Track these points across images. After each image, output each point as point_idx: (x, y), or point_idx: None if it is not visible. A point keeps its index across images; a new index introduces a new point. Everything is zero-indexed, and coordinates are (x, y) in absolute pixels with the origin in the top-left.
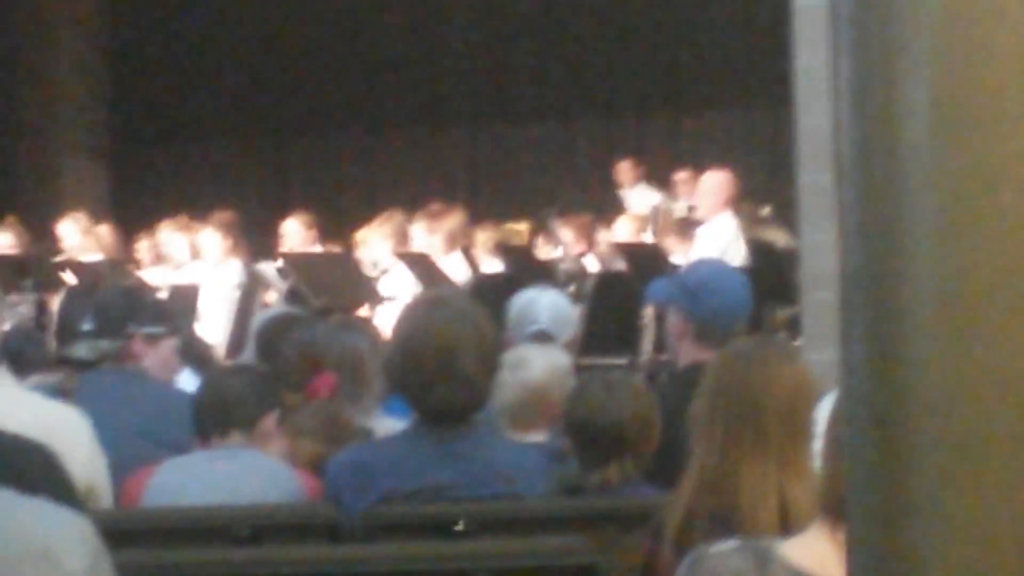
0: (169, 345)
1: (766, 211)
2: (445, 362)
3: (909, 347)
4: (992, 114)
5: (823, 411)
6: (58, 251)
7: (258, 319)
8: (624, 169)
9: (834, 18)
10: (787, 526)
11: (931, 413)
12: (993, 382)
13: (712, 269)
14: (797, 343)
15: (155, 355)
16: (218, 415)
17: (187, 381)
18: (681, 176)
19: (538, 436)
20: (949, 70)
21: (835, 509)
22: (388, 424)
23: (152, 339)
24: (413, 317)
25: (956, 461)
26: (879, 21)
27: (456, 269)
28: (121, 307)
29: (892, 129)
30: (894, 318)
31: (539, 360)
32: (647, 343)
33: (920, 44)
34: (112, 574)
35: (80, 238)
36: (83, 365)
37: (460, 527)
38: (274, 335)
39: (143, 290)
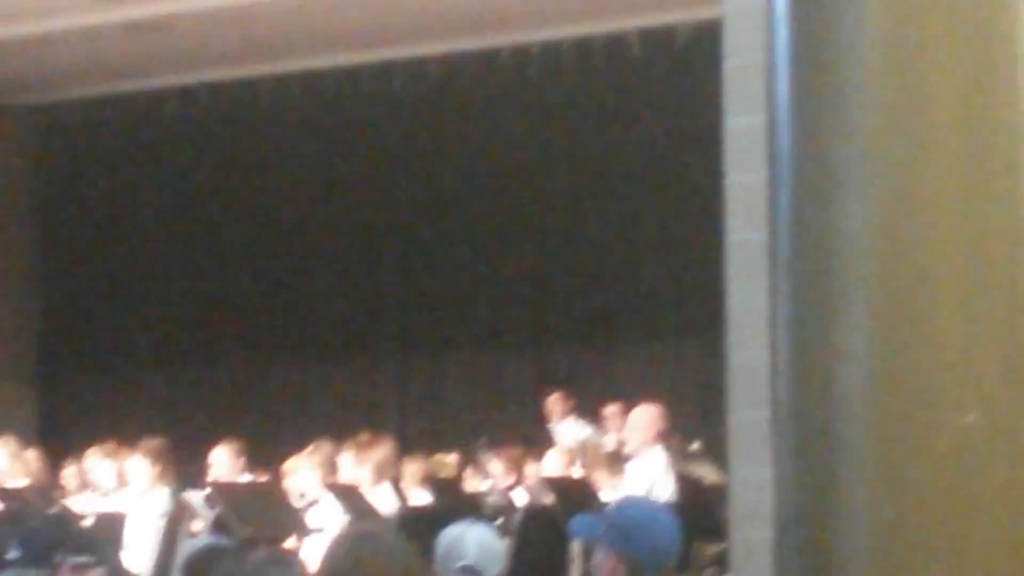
0: (95, 575)
1: (695, 446)
2: None
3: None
4: (927, 368)
5: None
6: None
7: (184, 549)
8: (554, 402)
9: (772, 260)
10: None
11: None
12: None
13: (643, 508)
14: None
15: None
16: None
17: None
18: (610, 410)
19: None
20: (886, 317)
21: None
22: None
23: (79, 570)
24: (340, 550)
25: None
26: (818, 266)
27: (384, 500)
28: (47, 536)
29: (829, 376)
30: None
31: None
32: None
33: (857, 294)
34: None
35: (7, 462)
36: None
37: None
38: (200, 567)
39: (70, 519)
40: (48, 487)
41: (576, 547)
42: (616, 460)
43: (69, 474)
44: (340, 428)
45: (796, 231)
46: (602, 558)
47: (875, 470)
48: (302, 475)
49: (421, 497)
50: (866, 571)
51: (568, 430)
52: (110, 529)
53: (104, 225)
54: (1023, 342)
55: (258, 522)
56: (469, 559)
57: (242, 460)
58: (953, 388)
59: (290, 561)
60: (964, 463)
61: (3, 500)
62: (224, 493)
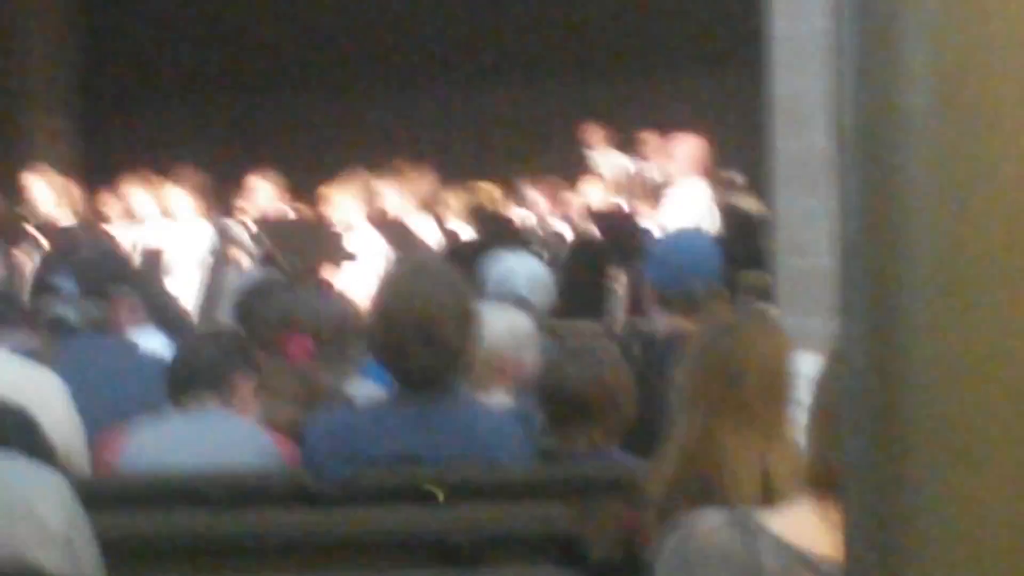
0: (143, 307)
1: (739, 177)
2: (424, 328)
3: (908, 323)
4: (995, 88)
5: (801, 374)
6: (26, 207)
7: (234, 282)
8: (593, 132)
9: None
10: (769, 495)
11: (929, 389)
12: (991, 360)
13: (675, 235)
14: (771, 309)
15: (132, 318)
16: (191, 377)
17: (154, 341)
18: (651, 140)
19: (497, 397)
20: (953, 40)
21: (823, 482)
22: (366, 389)
23: (130, 302)
24: (393, 283)
25: (954, 438)
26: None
27: (428, 232)
28: (101, 269)
29: (894, 99)
30: (893, 293)
31: (497, 322)
32: (619, 309)
33: (923, 12)
34: (87, 531)
35: (50, 194)
36: (64, 326)
37: (438, 494)
38: (252, 298)
39: (119, 253)
40: (93, 220)
41: (620, 277)
42: (659, 191)
43: (111, 204)
44: (378, 158)
45: None
46: (637, 284)
47: (940, 192)
48: (342, 205)
49: (464, 229)
50: (930, 294)
51: (607, 159)
52: (154, 261)
53: None
54: None
55: (302, 255)
56: (521, 290)
57: (281, 189)
58: None
59: (338, 294)
60: None
61: (50, 238)
62: (268, 227)
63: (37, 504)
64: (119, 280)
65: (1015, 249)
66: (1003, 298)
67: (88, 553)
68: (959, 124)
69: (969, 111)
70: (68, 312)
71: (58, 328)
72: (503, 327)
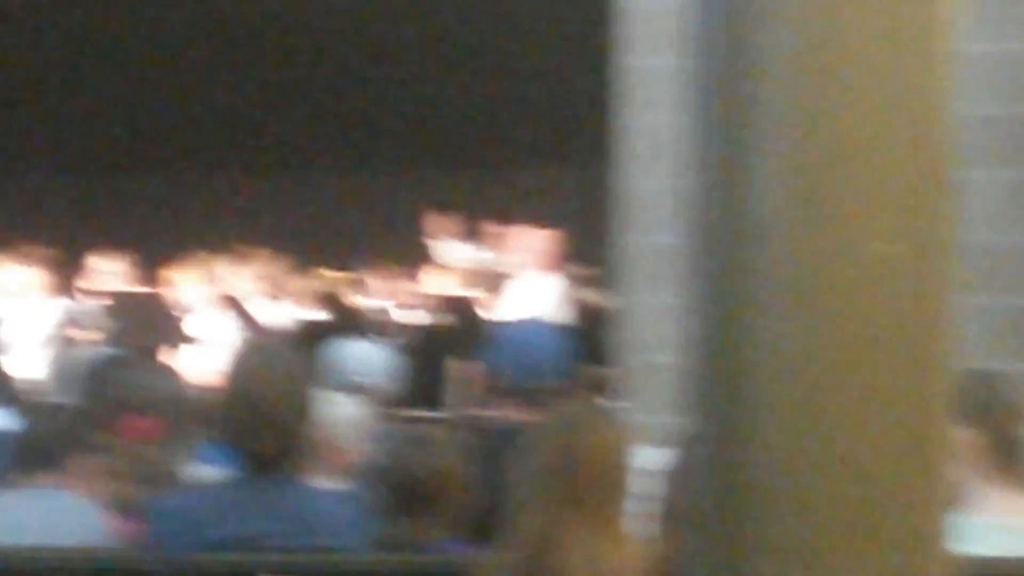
0: None
1: (584, 271)
2: (267, 410)
3: (754, 418)
4: (840, 193)
5: (644, 468)
6: None
7: (74, 358)
8: (436, 222)
9: (689, 99)
10: None
11: (776, 489)
12: (834, 457)
13: (517, 326)
14: (616, 404)
15: None
16: (27, 454)
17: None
18: (493, 230)
19: (322, 483)
20: (801, 147)
21: None
22: (201, 471)
23: None
24: (239, 364)
25: (797, 535)
26: (729, 98)
27: (270, 315)
28: None
29: (746, 204)
30: (740, 388)
31: (326, 409)
32: (456, 397)
33: (775, 119)
34: None
35: None
36: None
37: None
38: (92, 375)
39: None
40: None
41: (456, 366)
42: (502, 282)
43: None
44: (216, 241)
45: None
46: (474, 370)
47: (788, 297)
48: (182, 285)
49: (306, 313)
50: (775, 392)
51: (450, 250)
52: None
53: None
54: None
55: (139, 333)
56: (357, 374)
57: (123, 270)
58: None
59: (177, 373)
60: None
61: None
62: (109, 303)
63: None
64: None
65: (858, 350)
66: (846, 397)
67: None
68: (806, 229)
69: (817, 216)
70: None
71: None
72: (332, 414)
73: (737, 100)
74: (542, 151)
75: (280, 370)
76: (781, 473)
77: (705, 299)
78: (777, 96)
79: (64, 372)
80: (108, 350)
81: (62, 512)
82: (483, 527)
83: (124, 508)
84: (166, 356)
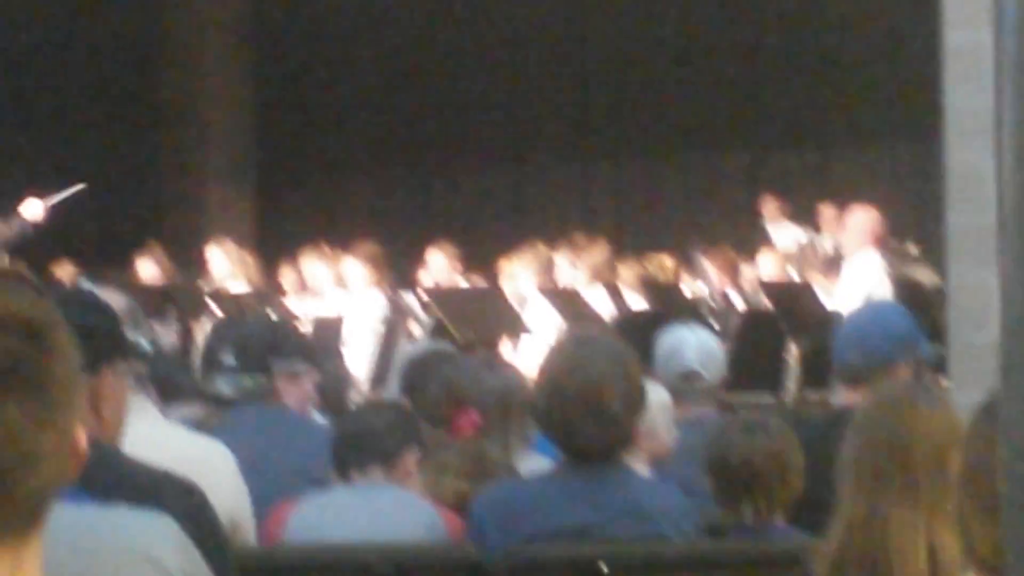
0: (309, 381)
1: (913, 249)
2: (591, 401)
3: None
4: None
5: None
6: (203, 279)
7: (404, 354)
8: (768, 204)
9: (999, 60)
10: (937, 574)
11: None
12: None
13: (867, 309)
14: (945, 384)
15: (296, 391)
16: (358, 450)
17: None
18: (826, 212)
19: (643, 469)
20: None
21: (988, 561)
22: (535, 463)
23: (294, 375)
24: (560, 356)
25: None
26: None
27: (600, 303)
28: (263, 342)
29: None
30: None
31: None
32: (791, 382)
33: None
34: (201, 561)
35: (227, 265)
36: (225, 401)
37: (604, 568)
38: (420, 371)
39: (285, 324)
40: (266, 291)
41: (794, 350)
42: (833, 263)
43: (286, 276)
44: (554, 230)
45: None
46: (810, 356)
47: None
48: (517, 277)
49: (636, 300)
50: None
51: (783, 232)
52: (328, 333)
53: (319, 31)
54: None
55: (476, 326)
56: (691, 362)
57: (457, 262)
58: None
59: (506, 366)
60: None
61: (222, 305)
62: (442, 298)
63: (153, 547)
64: (281, 353)
65: None
66: None
67: None
68: None
69: None
70: (225, 386)
71: (220, 401)
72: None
73: None
74: (871, 130)
75: (603, 357)
76: None
77: (1016, 276)
78: None
79: (395, 365)
80: (432, 344)
81: (394, 508)
82: (815, 513)
83: (454, 503)
84: (502, 348)
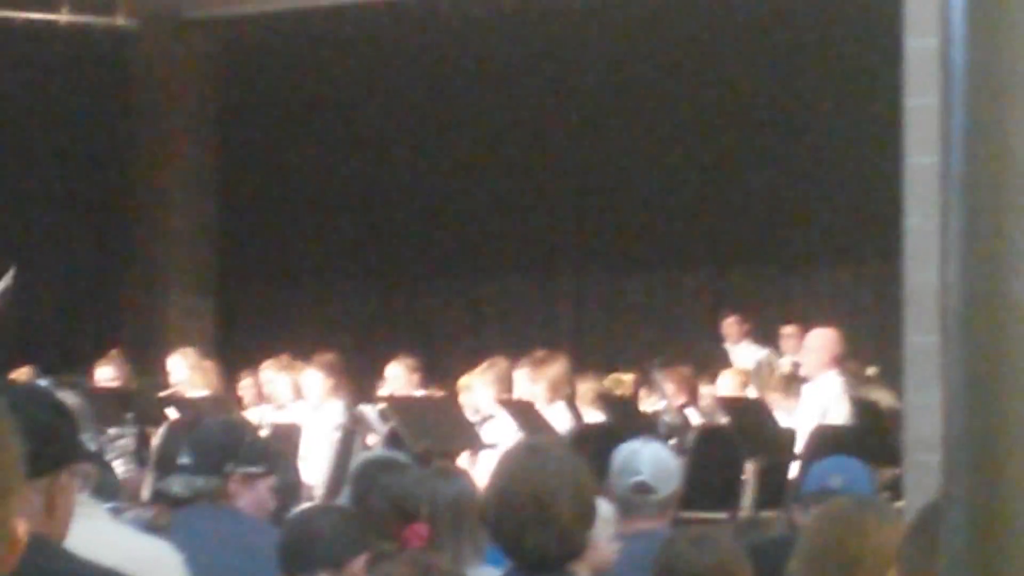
0: (265, 485)
1: (872, 371)
2: (540, 509)
3: (1012, 515)
4: None
5: None
6: (163, 386)
7: (354, 462)
8: (730, 324)
9: (944, 176)
10: None
11: None
12: None
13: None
14: (899, 505)
15: (250, 494)
16: (305, 555)
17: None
18: (787, 331)
19: None
20: None
21: None
22: (486, 574)
23: (249, 478)
24: (511, 463)
25: None
26: (989, 180)
27: (559, 418)
28: (219, 444)
29: (1000, 285)
30: (996, 481)
31: None
32: (747, 499)
33: None
34: None
35: (187, 373)
36: (178, 501)
37: None
38: (366, 480)
39: (242, 427)
40: (225, 398)
41: (751, 467)
42: (791, 382)
43: (246, 386)
44: (515, 345)
45: (969, 151)
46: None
47: None
48: (477, 391)
49: (595, 416)
50: None
51: (744, 352)
52: (285, 440)
53: (283, 139)
54: None
55: (432, 437)
56: (643, 475)
57: (417, 376)
58: None
59: (459, 476)
60: None
61: (180, 409)
62: (398, 407)
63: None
64: (237, 455)
65: None
66: None
67: None
68: None
69: None
70: (179, 486)
71: (172, 502)
72: None
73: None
74: (831, 251)
75: (553, 465)
76: None
77: (958, 384)
78: None
79: (347, 477)
80: (390, 453)
81: None
82: None
83: None
84: (460, 461)
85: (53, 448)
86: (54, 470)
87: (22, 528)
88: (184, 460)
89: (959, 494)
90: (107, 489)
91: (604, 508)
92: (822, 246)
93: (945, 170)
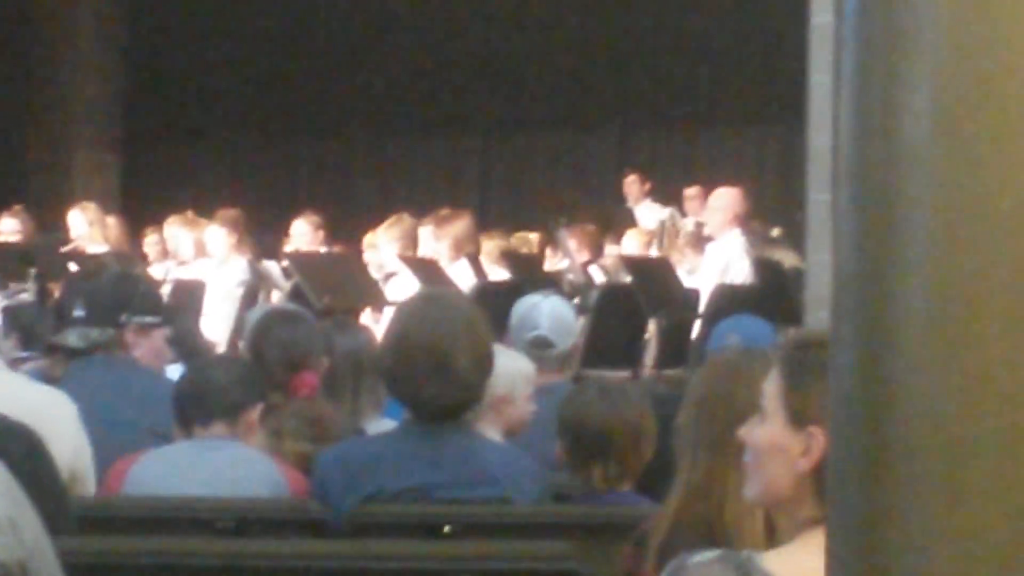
0: (160, 335)
1: (776, 231)
2: (437, 360)
3: (899, 353)
4: (994, 120)
5: None
6: (65, 241)
7: (250, 315)
8: (631, 183)
9: (837, 23)
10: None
11: (917, 419)
12: (981, 390)
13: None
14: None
15: (146, 345)
16: (200, 404)
17: (178, 374)
18: (691, 192)
19: (489, 434)
20: (952, 73)
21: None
22: (384, 426)
23: (143, 329)
24: (406, 313)
25: (940, 468)
26: (882, 24)
27: (462, 276)
28: (113, 296)
29: (891, 131)
30: (885, 325)
31: (506, 361)
32: (649, 358)
33: (922, 46)
34: (31, 513)
35: (88, 228)
36: (73, 353)
37: (447, 529)
38: (264, 330)
39: (136, 279)
40: (128, 253)
41: (653, 326)
42: (695, 241)
43: (151, 242)
44: (421, 203)
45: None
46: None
47: (935, 226)
48: (381, 248)
49: (499, 273)
50: (922, 326)
51: (647, 211)
52: (188, 296)
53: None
54: None
55: (334, 292)
56: (542, 328)
57: (321, 232)
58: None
59: (357, 328)
60: None
61: (80, 264)
62: (301, 263)
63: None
64: (131, 306)
65: (1008, 284)
66: (994, 332)
67: (34, 534)
68: (957, 156)
69: (967, 143)
70: (74, 338)
71: (68, 353)
72: (506, 367)
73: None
74: (736, 111)
75: (451, 317)
76: (922, 411)
77: (849, 231)
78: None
79: (241, 328)
80: (284, 306)
81: (237, 463)
82: (663, 481)
83: (295, 463)
84: (362, 317)
85: None
86: None
87: None
88: (78, 313)
89: (847, 335)
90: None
91: (524, 364)
92: (727, 106)
93: (839, 11)
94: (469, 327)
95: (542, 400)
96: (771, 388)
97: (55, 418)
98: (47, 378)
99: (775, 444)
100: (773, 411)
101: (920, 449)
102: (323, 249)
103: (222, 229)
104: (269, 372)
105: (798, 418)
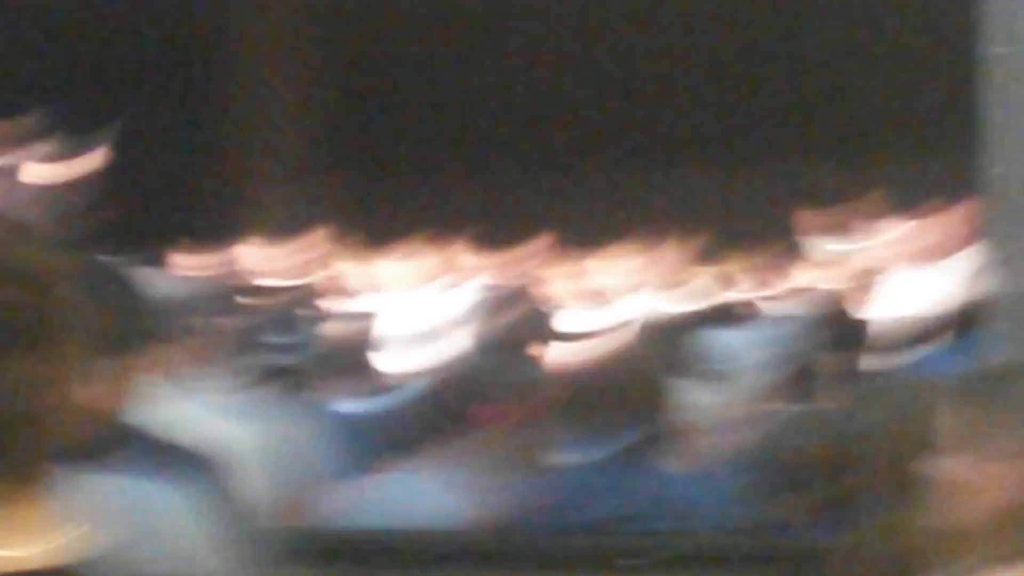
0: None
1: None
2: (630, 397)
3: None
4: None
5: None
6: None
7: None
8: (809, 215)
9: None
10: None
11: None
12: None
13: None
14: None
15: None
16: (385, 439)
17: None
18: (866, 224)
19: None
20: None
21: None
22: (567, 458)
23: None
24: (600, 349)
25: None
26: None
27: (641, 308)
28: None
29: None
30: None
31: (694, 394)
32: (830, 389)
33: None
34: None
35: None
36: None
37: (630, 561)
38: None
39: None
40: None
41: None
42: (876, 275)
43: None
44: (594, 235)
45: None
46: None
47: None
48: (557, 280)
49: (677, 305)
50: None
51: (825, 245)
52: None
53: None
54: None
55: (516, 325)
56: (724, 362)
57: (500, 264)
58: None
59: (535, 360)
60: None
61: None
62: (493, 298)
63: None
64: None
65: None
66: None
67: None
68: None
69: None
70: None
71: None
72: (694, 400)
73: None
74: (912, 142)
75: (644, 356)
76: None
77: None
78: None
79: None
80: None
81: (422, 496)
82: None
83: (480, 494)
84: (536, 349)
85: None
86: None
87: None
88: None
89: None
90: None
91: (713, 397)
92: (895, 137)
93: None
94: (652, 363)
95: (731, 431)
96: (960, 421)
97: None
98: None
99: (963, 478)
100: (962, 445)
101: None
102: (498, 282)
103: (415, 262)
104: (456, 402)
105: (988, 452)
